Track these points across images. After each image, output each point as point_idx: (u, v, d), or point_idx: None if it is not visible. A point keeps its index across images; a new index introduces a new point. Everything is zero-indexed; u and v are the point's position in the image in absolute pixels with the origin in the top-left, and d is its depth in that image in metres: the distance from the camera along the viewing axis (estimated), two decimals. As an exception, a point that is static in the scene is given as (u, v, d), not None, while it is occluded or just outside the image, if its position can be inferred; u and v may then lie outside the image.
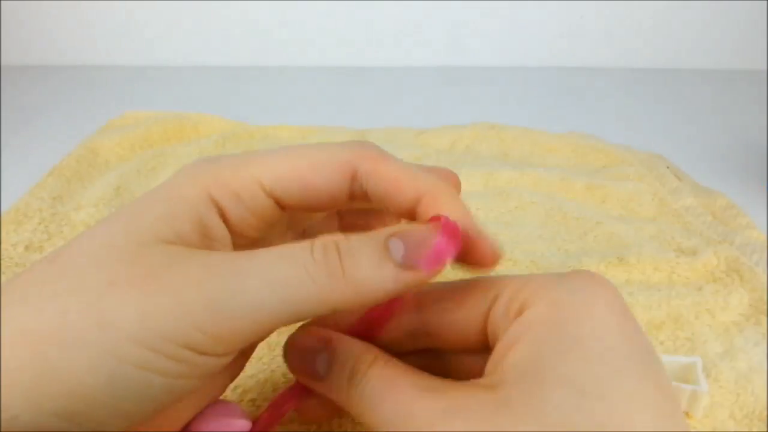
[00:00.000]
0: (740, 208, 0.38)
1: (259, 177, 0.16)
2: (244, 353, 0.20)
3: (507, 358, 0.15)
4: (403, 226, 0.16)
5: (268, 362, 0.26)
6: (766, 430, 0.22)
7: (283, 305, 0.14)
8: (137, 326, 0.13)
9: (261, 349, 0.26)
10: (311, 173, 0.16)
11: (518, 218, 0.38)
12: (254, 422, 0.19)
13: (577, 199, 0.40)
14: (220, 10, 0.67)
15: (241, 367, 0.20)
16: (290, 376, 0.25)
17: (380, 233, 0.15)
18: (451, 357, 0.19)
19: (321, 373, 0.17)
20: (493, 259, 0.18)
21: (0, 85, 0.62)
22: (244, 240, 0.17)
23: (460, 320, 0.17)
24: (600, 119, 0.56)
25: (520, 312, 0.16)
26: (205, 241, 0.16)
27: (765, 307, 0.29)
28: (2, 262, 0.32)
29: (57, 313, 0.13)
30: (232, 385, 0.25)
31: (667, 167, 0.43)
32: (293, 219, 0.21)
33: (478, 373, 0.19)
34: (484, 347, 0.17)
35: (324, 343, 0.17)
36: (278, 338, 0.27)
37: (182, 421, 0.18)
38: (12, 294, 0.13)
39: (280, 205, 0.17)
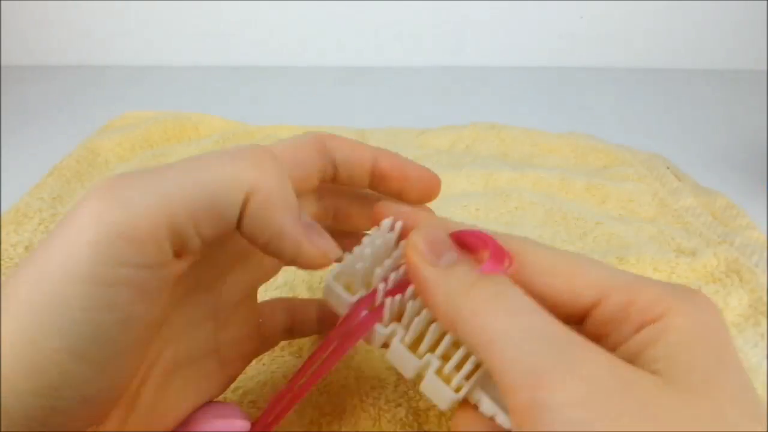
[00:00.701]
0: (740, 208, 0.38)
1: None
2: (244, 357, 0.20)
3: (648, 352, 0.14)
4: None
5: (268, 363, 0.26)
6: (766, 430, 0.22)
7: (195, 187, 0.14)
8: (67, 264, 0.13)
9: (261, 350, 0.26)
10: (294, 151, 0.18)
11: (518, 218, 0.38)
12: (254, 423, 0.19)
13: (577, 199, 0.40)
14: (220, 10, 0.67)
15: (240, 370, 0.20)
16: (290, 376, 0.25)
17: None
18: None
19: (444, 264, 0.15)
20: (436, 184, 0.20)
21: (0, 85, 0.62)
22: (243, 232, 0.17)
23: (562, 293, 0.16)
24: (600, 119, 0.56)
25: (641, 325, 0.14)
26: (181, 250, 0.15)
27: (764, 307, 0.29)
28: (2, 262, 0.32)
29: (12, 276, 0.13)
30: (232, 386, 0.25)
31: (668, 168, 0.43)
32: None
33: None
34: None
35: (454, 247, 0.16)
36: (278, 339, 0.27)
37: (177, 419, 0.18)
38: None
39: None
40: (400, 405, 0.24)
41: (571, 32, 0.69)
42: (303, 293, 0.31)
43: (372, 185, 0.20)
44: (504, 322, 0.13)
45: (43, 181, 0.41)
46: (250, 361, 0.21)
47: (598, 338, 0.15)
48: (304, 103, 0.59)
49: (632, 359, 0.14)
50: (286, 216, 0.15)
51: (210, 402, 0.19)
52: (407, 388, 0.25)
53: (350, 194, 0.22)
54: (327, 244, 0.17)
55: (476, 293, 0.14)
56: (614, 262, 0.32)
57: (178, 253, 0.14)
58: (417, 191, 0.20)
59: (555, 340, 0.13)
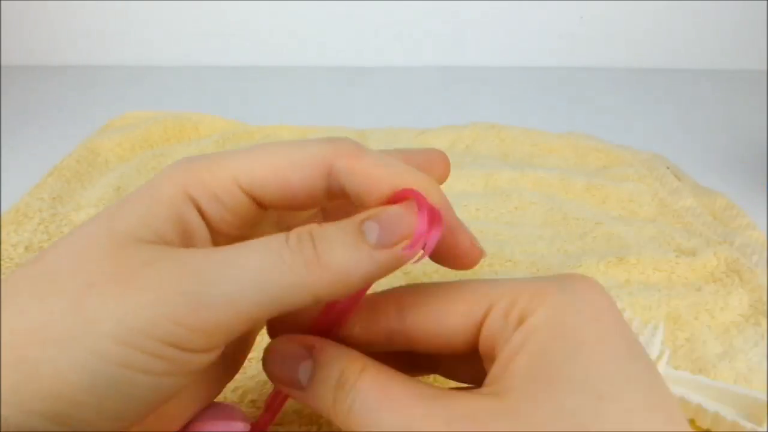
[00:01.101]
0: (740, 208, 0.38)
1: (235, 176, 0.16)
2: (239, 355, 0.20)
3: (512, 365, 0.14)
4: (378, 209, 0.16)
5: (268, 363, 0.26)
6: (765, 430, 0.22)
7: (260, 294, 0.14)
8: (117, 324, 0.13)
9: (261, 351, 0.26)
10: (288, 171, 0.16)
11: (518, 218, 0.38)
12: (253, 424, 0.19)
13: (577, 199, 0.40)
14: (220, 10, 0.67)
15: (237, 369, 0.20)
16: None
17: (355, 218, 0.15)
18: (426, 359, 0.19)
19: (303, 383, 0.16)
20: (475, 257, 0.18)
21: (0, 85, 0.62)
22: (225, 239, 0.17)
23: (448, 326, 0.16)
24: (600, 119, 0.56)
25: (521, 320, 0.15)
26: (185, 240, 0.16)
27: (764, 307, 0.29)
28: (2, 262, 0.32)
29: (39, 313, 0.13)
30: (231, 387, 0.25)
31: (668, 167, 0.43)
32: (281, 218, 0.21)
33: (463, 378, 0.18)
34: (470, 353, 0.17)
35: (307, 350, 0.17)
36: (278, 339, 0.27)
37: (179, 423, 0.18)
38: (3, 294, 0.14)
39: (259, 203, 0.17)
40: (400, 405, 0.24)
41: (571, 32, 0.69)
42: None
43: None
44: (374, 426, 0.15)
45: (43, 181, 0.41)
46: (248, 353, 0.21)
47: (491, 355, 0.16)
48: (304, 103, 0.59)
49: (501, 373, 0.15)
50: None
51: (211, 403, 0.19)
52: (407, 388, 0.25)
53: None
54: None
55: (339, 408, 0.15)
56: (614, 262, 0.32)
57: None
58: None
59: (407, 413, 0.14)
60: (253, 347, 0.22)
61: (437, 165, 0.19)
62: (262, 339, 0.20)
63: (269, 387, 0.25)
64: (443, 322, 0.16)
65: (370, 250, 0.15)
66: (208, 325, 0.14)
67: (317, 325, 0.18)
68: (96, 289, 0.13)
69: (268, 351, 0.18)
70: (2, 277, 0.31)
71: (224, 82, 0.65)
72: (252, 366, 0.26)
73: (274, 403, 0.19)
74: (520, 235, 0.35)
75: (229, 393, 0.24)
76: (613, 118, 0.56)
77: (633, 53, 0.70)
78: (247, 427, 0.18)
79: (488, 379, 0.15)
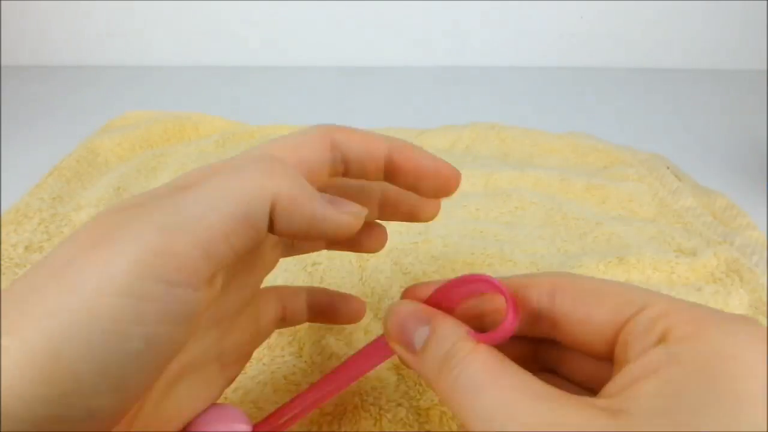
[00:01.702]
0: (740, 208, 0.38)
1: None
2: (240, 358, 0.20)
3: (640, 386, 0.13)
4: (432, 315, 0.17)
5: (268, 363, 0.26)
6: (765, 430, 0.22)
7: (228, 204, 0.14)
8: (99, 276, 0.13)
9: (261, 351, 0.26)
10: (304, 150, 0.17)
11: (518, 218, 0.38)
12: (255, 426, 0.19)
13: (577, 199, 0.40)
14: (220, 10, 0.67)
15: (240, 370, 0.20)
16: (291, 378, 0.25)
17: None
18: (561, 353, 0.18)
19: (416, 347, 0.16)
20: (455, 177, 0.20)
21: (0, 85, 0.62)
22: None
23: (594, 319, 0.16)
24: (600, 119, 0.56)
25: (663, 337, 0.14)
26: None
27: (764, 307, 0.29)
28: (2, 262, 0.32)
29: (26, 289, 0.13)
30: (232, 387, 0.25)
31: (667, 168, 0.43)
32: None
33: (587, 379, 0.18)
34: (605, 355, 0.16)
35: (427, 317, 0.17)
36: (277, 340, 0.27)
37: (178, 423, 0.18)
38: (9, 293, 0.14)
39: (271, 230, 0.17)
40: (401, 405, 0.24)
41: (571, 32, 0.69)
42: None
43: (386, 178, 0.20)
44: (473, 405, 0.14)
45: (43, 181, 0.41)
46: (248, 359, 0.21)
47: (620, 361, 0.15)
48: (304, 103, 0.59)
49: (625, 387, 0.13)
50: (314, 203, 0.16)
51: (212, 405, 0.19)
52: (408, 387, 0.25)
53: (357, 188, 0.21)
54: (353, 206, 0.18)
55: (444, 378, 0.15)
56: (614, 262, 0.32)
57: (212, 277, 0.15)
58: (433, 187, 0.20)
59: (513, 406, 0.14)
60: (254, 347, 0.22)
61: (444, 176, 0.20)
62: (266, 341, 0.20)
63: (270, 387, 0.25)
64: (592, 312, 0.16)
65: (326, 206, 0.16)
66: (186, 247, 0.13)
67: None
68: (76, 261, 0.13)
69: (390, 311, 0.18)
70: (2, 276, 0.31)
71: (224, 82, 0.65)
72: (253, 366, 0.26)
73: (289, 411, 0.19)
74: (520, 235, 0.35)
75: (230, 393, 0.24)
76: (613, 118, 0.57)
77: (633, 53, 0.70)
78: (249, 428, 0.18)
79: (609, 388, 0.14)
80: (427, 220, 0.21)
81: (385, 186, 0.20)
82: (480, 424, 0.14)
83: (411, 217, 0.21)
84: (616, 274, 0.32)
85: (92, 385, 0.13)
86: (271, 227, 0.16)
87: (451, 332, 0.16)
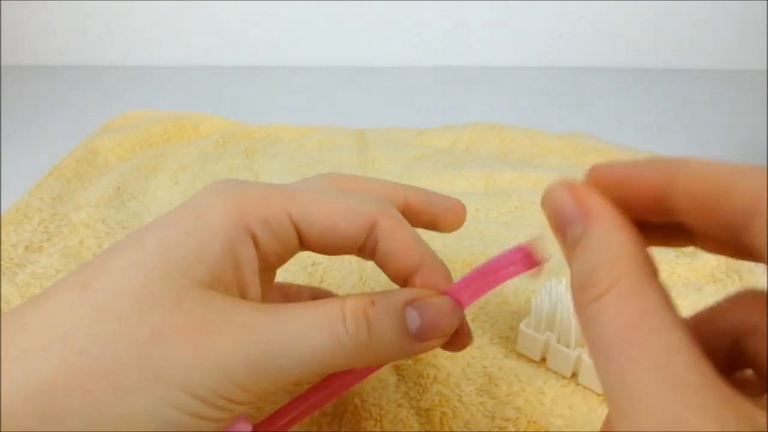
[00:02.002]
0: (740, 208, 0.38)
1: (287, 207, 0.17)
2: None
3: None
4: (420, 293, 0.17)
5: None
6: (765, 430, 0.22)
7: (312, 366, 0.15)
8: (186, 378, 0.14)
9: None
10: (338, 216, 0.17)
11: (518, 218, 0.38)
12: (255, 425, 0.19)
13: (577, 199, 0.40)
14: (220, 10, 0.67)
15: None
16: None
17: (399, 298, 0.17)
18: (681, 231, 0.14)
19: (569, 242, 0.14)
20: (462, 214, 0.22)
21: (0, 85, 0.62)
22: (265, 263, 0.18)
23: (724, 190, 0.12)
24: (600, 119, 0.56)
25: None
26: (236, 270, 0.16)
27: (765, 307, 0.29)
28: (2, 262, 0.32)
29: (107, 358, 0.14)
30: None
31: (667, 167, 0.43)
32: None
33: (721, 250, 0.14)
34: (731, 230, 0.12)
35: (582, 211, 0.14)
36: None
37: None
38: (45, 322, 0.14)
39: (300, 237, 0.18)
40: (401, 405, 0.24)
41: (571, 32, 0.69)
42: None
43: (405, 218, 0.20)
44: (607, 381, 0.11)
45: (43, 181, 0.41)
46: None
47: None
48: (304, 103, 0.59)
49: None
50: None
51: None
52: (408, 388, 0.25)
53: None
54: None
55: (578, 308, 0.12)
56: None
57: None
58: (447, 222, 0.21)
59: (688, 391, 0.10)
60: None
61: (454, 213, 0.21)
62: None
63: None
64: (720, 184, 0.12)
65: (411, 341, 0.17)
66: (263, 390, 0.15)
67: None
68: (164, 339, 0.14)
69: (548, 194, 0.15)
70: (2, 276, 0.31)
71: (224, 82, 0.65)
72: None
73: (291, 411, 0.19)
74: (520, 235, 0.35)
75: (229, 393, 0.24)
76: (613, 118, 0.56)
77: (633, 53, 0.70)
78: (249, 428, 0.18)
79: None
80: (448, 231, 0.22)
81: (409, 193, 0.21)
82: (615, 410, 0.10)
83: (433, 226, 0.22)
84: (616, 274, 0.32)
85: None
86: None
87: (602, 246, 0.12)
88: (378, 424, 0.23)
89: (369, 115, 0.56)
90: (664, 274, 0.34)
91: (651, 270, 0.12)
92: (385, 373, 0.26)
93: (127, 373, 0.13)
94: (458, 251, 0.34)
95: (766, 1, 0.65)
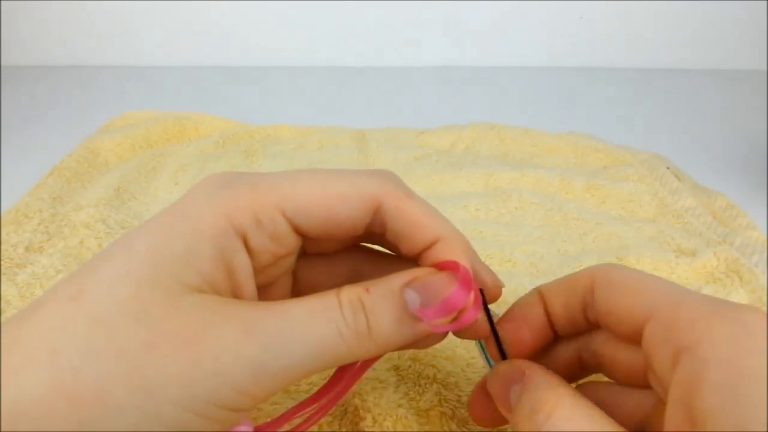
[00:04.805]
0: (740, 208, 0.38)
1: (279, 202, 0.16)
2: None
3: (696, 404, 0.13)
4: (418, 272, 0.16)
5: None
6: (765, 430, 0.22)
7: (314, 361, 0.15)
8: (180, 391, 0.13)
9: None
10: (336, 202, 0.16)
11: (518, 218, 0.38)
12: (257, 427, 0.19)
13: (576, 199, 0.40)
14: (220, 10, 0.67)
15: None
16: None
17: (395, 281, 0.16)
18: (603, 349, 0.18)
19: (513, 404, 0.16)
20: (496, 294, 0.19)
21: (0, 85, 0.62)
22: (260, 264, 0.17)
23: (621, 313, 0.16)
24: (600, 119, 0.56)
25: (679, 350, 0.14)
26: (229, 275, 0.16)
27: (765, 307, 0.29)
28: (2, 262, 0.32)
29: (97, 374, 0.13)
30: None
31: (667, 168, 0.43)
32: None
33: (623, 377, 0.18)
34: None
35: (519, 375, 0.17)
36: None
37: None
38: (35, 336, 0.13)
39: (299, 232, 0.17)
40: (401, 406, 0.24)
41: (571, 32, 0.69)
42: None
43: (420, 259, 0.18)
44: None
45: (43, 181, 0.41)
46: None
47: (650, 362, 0.15)
48: (304, 103, 0.59)
49: (688, 411, 0.13)
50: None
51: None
52: (408, 388, 0.25)
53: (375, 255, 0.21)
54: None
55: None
56: (614, 262, 0.32)
57: None
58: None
59: None
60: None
61: (492, 289, 0.19)
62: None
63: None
64: (619, 305, 0.16)
65: (413, 324, 0.16)
66: (264, 392, 0.14)
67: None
68: (155, 352, 0.13)
69: (493, 372, 0.18)
70: (2, 277, 0.31)
71: (224, 82, 0.65)
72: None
73: (295, 415, 0.19)
74: (520, 235, 0.35)
75: (229, 393, 0.24)
76: (613, 118, 0.56)
77: (633, 53, 0.70)
78: (250, 428, 0.18)
79: (668, 419, 0.14)
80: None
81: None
82: None
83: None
84: (616, 275, 0.32)
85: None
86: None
87: (535, 387, 0.16)
88: (377, 424, 0.23)
89: (369, 115, 0.56)
90: (663, 275, 0.34)
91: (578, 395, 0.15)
92: (385, 373, 0.26)
93: (116, 389, 0.13)
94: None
95: (766, 1, 0.65)
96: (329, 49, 0.70)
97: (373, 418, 0.23)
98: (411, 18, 0.67)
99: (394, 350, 0.16)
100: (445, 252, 0.17)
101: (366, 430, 0.23)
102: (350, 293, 0.16)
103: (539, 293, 0.18)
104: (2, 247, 0.33)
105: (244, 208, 0.16)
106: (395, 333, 0.16)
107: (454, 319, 0.16)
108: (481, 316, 0.18)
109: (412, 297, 0.16)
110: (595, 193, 0.40)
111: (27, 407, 0.12)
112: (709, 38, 0.69)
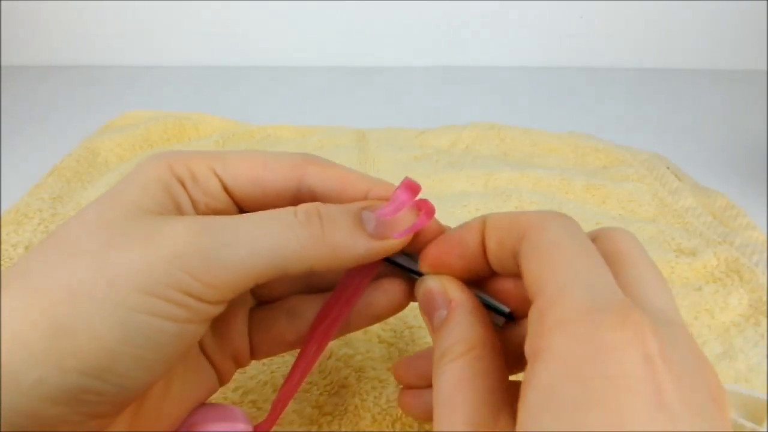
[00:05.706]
0: (740, 208, 0.38)
1: (211, 164, 0.18)
2: (237, 360, 0.20)
3: (530, 384, 0.12)
4: (374, 201, 0.18)
5: (268, 363, 0.26)
6: (765, 430, 0.22)
7: (268, 259, 0.15)
8: (142, 277, 0.14)
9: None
10: (261, 169, 0.18)
11: (518, 218, 0.38)
12: (256, 426, 0.19)
13: (576, 199, 0.40)
14: (220, 10, 0.67)
15: (231, 373, 0.20)
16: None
17: (354, 205, 0.17)
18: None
19: (436, 326, 0.17)
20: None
21: (0, 85, 0.62)
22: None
23: (507, 254, 0.17)
24: (600, 119, 0.56)
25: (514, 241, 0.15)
26: (178, 211, 0.17)
27: (764, 307, 0.29)
28: (2, 262, 0.32)
29: (65, 274, 0.14)
30: (232, 386, 0.25)
31: (668, 168, 0.43)
32: None
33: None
34: None
35: (447, 302, 0.17)
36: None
37: (172, 421, 0.18)
38: (15, 270, 0.14)
39: (232, 196, 0.18)
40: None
41: (571, 32, 0.69)
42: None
43: None
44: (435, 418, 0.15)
45: (43, 181, 0.41)
46: (240, 365, 0.21)
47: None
48: (304, 103, 0.59)
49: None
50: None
51: (213, 405, 0.19)
52: (407, 388, 0.25)
53: None
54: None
55: (434, 372, 0.16)
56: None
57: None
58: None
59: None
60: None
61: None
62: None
63: (270, 387, 0.25)
64: (504, 246, 0.17)
65: (367, 238, 0.17)
66: (218, 281, 0.15)
67: (335, 296, 0.19)
68: (116, 248, 0.14)
69: (421, 283, 0.18)
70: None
71: (224, 82, 0.65)
72: (253, 366, 0.26)
73: (277, 405, 0.19)
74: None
75: (229, 393, 0.24)
76: (613, 118, 0.57)
77: (633, 53, 0.70)
78: (249, 427, 0.18)
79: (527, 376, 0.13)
80: None
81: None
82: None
83: None
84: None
85: (128, 364, 0.14)
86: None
87: (453, 329, 0.16)
88: (377, 423, 0.23)
89: (369, 115, 0.56)
90: (664, 274, 0.34)
91: (494, 347, 0.16)
92: (385, 373, 0.26)
93: (83, 286, 0.14)
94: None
95: (766, 1, 0.65)
96: (329, 49, 0.70)
97: (373, 418, 0.23)
98: (411, 18, 0.67)
99: (349, 263, 0.17)
100: (381, 193, 0.18)
101: (366, 429, 0.23)
102: (307, 205, 0.17)
103: (482, 222, 0.17)
104: (2, 247, 0.33)
105: (182, 163, 0.17)
106: (349, 243, 0.16)
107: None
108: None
109: (368, 216, 0.17)
110: (595, 193, 0.40)
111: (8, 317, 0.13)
112: (709, 38, 0.69)
